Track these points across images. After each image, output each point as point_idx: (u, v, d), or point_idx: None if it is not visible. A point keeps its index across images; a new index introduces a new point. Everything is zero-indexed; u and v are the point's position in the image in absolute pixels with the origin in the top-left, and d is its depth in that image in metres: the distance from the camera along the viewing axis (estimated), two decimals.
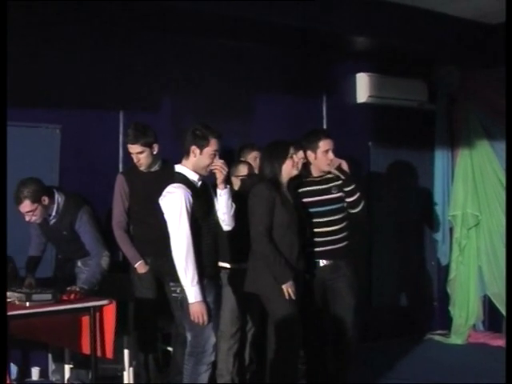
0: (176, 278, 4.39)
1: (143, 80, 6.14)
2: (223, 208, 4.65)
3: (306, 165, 5.32)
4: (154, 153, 5.33)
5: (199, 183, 4.51)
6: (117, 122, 6.03)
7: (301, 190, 5.29)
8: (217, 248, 4.63)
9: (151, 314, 5.42)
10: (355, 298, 5.32)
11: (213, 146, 4.47)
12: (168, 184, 4.46)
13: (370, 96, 7.28)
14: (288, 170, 5.03)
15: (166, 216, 4.39)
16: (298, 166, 5.10)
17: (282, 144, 5.09)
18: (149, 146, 5.28)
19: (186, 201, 4.34)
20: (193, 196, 4.38)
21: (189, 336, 4.49)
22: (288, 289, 4.84)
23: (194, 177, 4.49)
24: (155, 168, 5.40)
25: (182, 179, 4.45)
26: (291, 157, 5.02)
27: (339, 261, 5.28)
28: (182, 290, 4.37)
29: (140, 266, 5.37)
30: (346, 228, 5.36)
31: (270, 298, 4.93)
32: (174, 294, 4.52)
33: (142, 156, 5.30)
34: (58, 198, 5.19)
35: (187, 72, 6.39)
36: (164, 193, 4.43)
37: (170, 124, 6.16)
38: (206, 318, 4.35)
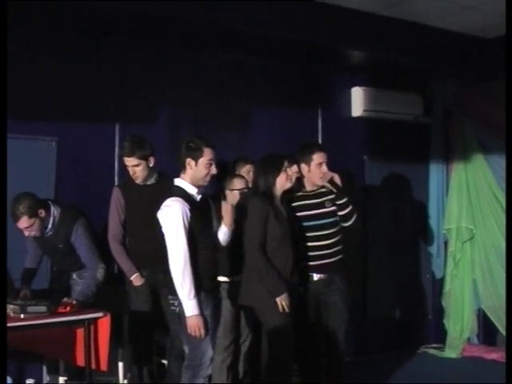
0: (174, 291, 4.40)
1: (140, 92, 6.16)
2: (222, 235, 4.73)
3: (300, 178, 5.35)
4: (151, 165, 5.32)
5: (198, 197, 4.53)
6: (113, 135, 6.05)
7: (294, 204, 5.31)
8: (216, 261, 4.65)
9: (146, 327, 5.41)
10: (348, 312, 5.33)
11: (207, 155, 4.49)
12: (165, 197, 4.46)
13: (365, 110, 7.30)
14: (282, 183, 5.05)
15: (164, 229, 4.40)
16: (292, 180, 5.12)
17: (277, 157, 5.12)
18: (145, 158, 5.27)
19: (184, 215, 4.35)
20: (191, 210, 4.39)
21: (186, 349, 4.50)
22: (282, 302, 4.87)
23: (192, 190, 4.50)
24: (151, 181, 5.40)
25: (180, 193, 4.46)
26: (285, 170, 5.05)
27: (333, 275, 5.29)
28: (179, 304, 4.39)
29: (136, 279, 5.37)
30: (340, 242, 5.38)
31: (264, 310, 4.95)
32: (171, 308, 4.52)
33: (138, 169, 5.30)
34: (54, 210, 5.20)
35: (184, 84, 6.41)
36: (162, 206, 4.44)
37: (167, 136, 6.18)
38: (202, 331, 4.37)
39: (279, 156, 5.12)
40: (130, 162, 5.29)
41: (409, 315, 7.76)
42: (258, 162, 5.26)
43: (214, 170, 4.53)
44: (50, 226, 5.19)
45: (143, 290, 5.37)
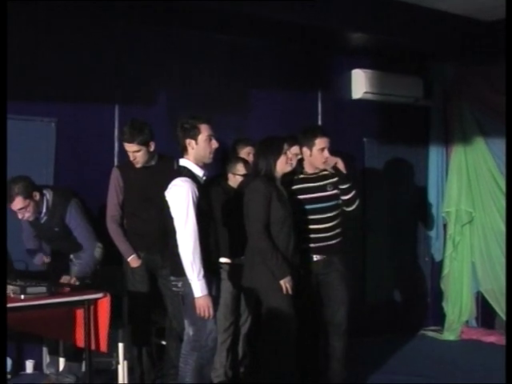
0: (177, 273, 4.42)
1: (139, 74, 6.15)
2: None
3: (301, 161, 5.37)
4: (151, 150, 5.32)
5: (203, 179, 4.55)
6: (112, 116, 6.04)
7: (295, 187, 5.34)
8: (219, 243, 4.70)
9: (145, 308, 5.44)
10: (347, 292, 5.37)
11: (205, 131, 4.49)
12: (170, 178, 4.47)
13: (365, 92, 7.28)
14: (282, 165, 5.05)
15: (173, 209, 4.40)
16: (292, 163, 5.14)
17: (276, 140, 5.12)
18: (145, 144, 5.26)
19: (193, 194, 4.35)
20: (199, 191, 4.40)
21: (190, 331, 4.49)
22: (286, 284, 4.90)
23: (198, 172, 4.51)
24: (151, 163, 5.40)
25: (188, 173, 4.47)
26: (285, 153, 5.06)
27: (332, 256, 5.34)
28: (184, 285, 4.39)
29: (133, 260, 5.38)
30: (340, 224, 5.43)
31: (268, 292, 4.97)
32: (174, 289, 4.55)
33: (138, 154, 5.28)
34: (47, 194, 5.22)
35: (183, 66, 6.41)
36: (170, 186, 4.43)
37: (166, 117, 6.15)
38: (211, 311, 4.38)
39: (279, 138, 5.13)
40: (131, 147, 5.28)
41: (408, 298, 7.78)
42: (258, 145, 5.27)
43: (215, 144, 4.53)
44: (44, 211, 5.21)
45: (140, 272, 5.38)
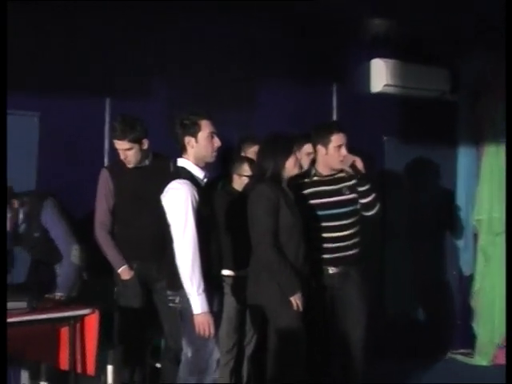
0: (175, 286, 4.41)
1: (134, 63, 6.15)
2: None
3: (313, 162, 5.35)
4: (144, 148, 5.33)
5: (204, 181, 4.55)
6: (102, 110, 6.04)
7: (308, 191, 5.36)
8: (221, 253, 4.70)
9: (138, 326, 5.43)
10: (366, 309, 5.37)
11: (206, 128, 4.51)
12: (167, 179, 4.48)
13: (386, 85, 7.30)
14: (290, 167, 5.05)
15: (170, 215, 4.40)
16: (303, 164, 5.14)
17: (284, 137, 5.12)
18: (138, 141, 5.28)
19: (193, 199, 4.35)
20: (199, 194, 4.40)
21: (189, 351, 4.47)
22: (297, 300, 4.88)
23: (199, 173, 4.52)
24: (145, 163, 5.41)
25: (187, 175, 4.47)
26: (294, 153, 5.05)
27: (349, 268, 5.36)
28: (182, 300, 4.38)
29: (124, 272, 5.38)
30: (358, 233, 5.44)
31: (276, 310, 4.95)
32: (171, 304, 4.53)
33: (129, 153, 5.30)
34: (24, 198, 5.21)
35: (183, 56, 6.43)
36: (166, 189, 4.44)
37: (163, 112, 6.15)
38: (212, 329, 4.36)
39: (286, 136, 5.15)
40: (121, 145, 5.29)
41: (433, 317, 7.77)
42: (262, 144, 5.27)
43: (217, 142, 4.54)
44: (21, 217, 5.21)
45: (133, 285, 5.38)
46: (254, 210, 4.98)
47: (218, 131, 4.57)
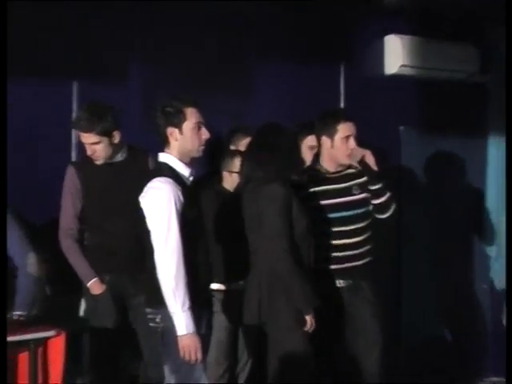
0: (155, 303, 4.42)
1: (106, 41, 6.15)
2: None
3: (318, 156, 5.38)
4: (116, 142, 5.34)
5: (190, 179, 4.57)
6: (69, 96, 6.02)
7: (311, 191, 5.41)
8: (210, 264, 4.72)
9: (111, 350, 5.44)
10: (381, 330, 5.37)
11: (192, 117, 4.53)
12: (139, 178, 4.54)
13: (402, 65, 7.29)
14: (295, 163, 5.10)
15: (149, 220, 4.42)
16: (304, 159, 5.17)
17: (279, 128, 5.18)
18: (107, 134, 5.28)
19: (177, 200, 4.38)
20: (184, 195, 4.42)
21: (172, 380, 4.46)
22: (312, 319, 4.92)
23: (184, 170, 4.54)
24: (118, 158, 5.44)
25: (169, 172, 4.49)
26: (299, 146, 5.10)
27: (360, 281, 5.44)
28: (164, 319, 4.38)
29: (94, 286, 5.37)
30: (370, 239, 5.47)
31: (284, 330, 4.96)
32: (151, 324, 4.52)
33: (98, 147, 5.30)
34: None
35: (164, 33, 6.43)
36: (146, 189, 4.46)
37: (141, 99, 6.17)
38: (199, 354, 4.37)
39: (279, 127, 5.21)
40: (88, 138, 5.30)
41: (459, 339, 7.75)
42: (253, 136, 5.32)
43: (205, 134, 4.57)
44: None
45: (105, 301, 5.38)
46: (265, 214, 5.00)
47: (207, 121, 4.58)
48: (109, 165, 5.39)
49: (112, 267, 5.39)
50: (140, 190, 4.48)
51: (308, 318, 4.92)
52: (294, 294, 4.92)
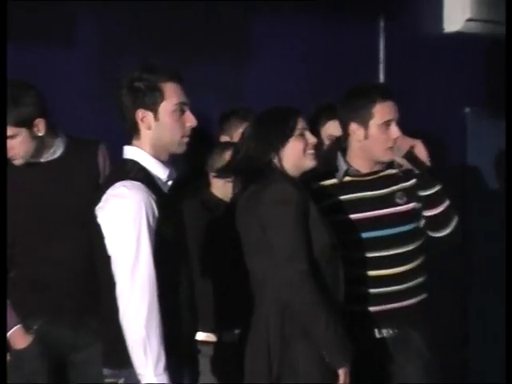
0: (116, 361, 4.38)
1: None
2: None
3: (344, 151, 5.35)
4: (40, 134, 5.30)
5: (168, 184, 4.55)
6: None
7: (336, 200, 5.42)
8: (195, 304, 4.66)
9: None
10: None
11: (172, 96, 4.47)
12: (90, 182, 4.50)
13: (468, 19, 7.34)
14: (294, 159, 5.07)
15: (110, 240, 4.35)
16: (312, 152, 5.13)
17: (284, 112, 5.16)
18: (27, 124, 5.27)
19: (149, 213, 4.33)
20: (159, 204, 4.38)
21: None
22: (347, 376, 4.87)
23: (159, 172, 4.50)
24: (51, 156, 5.42)
25: (140, 173, 4.44)
26: (301, 134, 5.07)
27: (409, 330, 5.41)
28: (131, 381, 4.32)
29: (16, 337, 5.35)
30: (423, 269, 5.48)
31: None
32: None
33: (14, 142, 5.29)
34: None
35: None
36: (105, 197, 4.38)
37: (94, 69, 6.20)
38: None
39: (290, 110, 5.18)
40: None
41: None
42: (252, 122, 5.31)
43: (191, 120, 4.51)
44: None
45: (31, 356, 5.37)
46: (271, 222, 4.93)
47: (191, 101, 4.54)
48: (34, 165, 5.38)
49: (47, 308, 5.35)
50: (93, 198, 4.43)
51: (342, 373, 4.86)
52: (320, 339, 4.86)
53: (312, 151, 5.05)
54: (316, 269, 4.89)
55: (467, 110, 7.55)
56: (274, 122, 5.09)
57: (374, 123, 5.29)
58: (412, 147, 5.33)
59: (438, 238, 5.42)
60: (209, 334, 5.42)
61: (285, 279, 4.84)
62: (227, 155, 5.61)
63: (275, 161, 5.04)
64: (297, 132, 5.03)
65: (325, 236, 4.93)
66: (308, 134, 5.06)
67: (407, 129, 5.37)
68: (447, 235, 5.40)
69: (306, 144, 5.03)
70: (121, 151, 4.52)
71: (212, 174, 5.70)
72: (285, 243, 4.86)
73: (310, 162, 5.06)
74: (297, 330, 4.89)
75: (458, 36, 7.40)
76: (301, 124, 5.06)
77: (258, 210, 4.95)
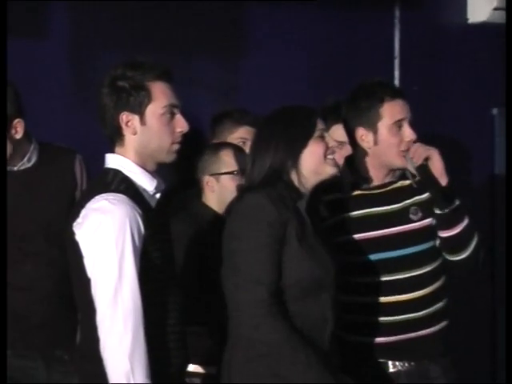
0: None
1: None
2: None
3: (352, 161, 5.34)
4: (17, 137, 5.36)
5: (156, 196, 4.59)
6: None
7: (343, 217, 5.39)
8: (185, 332, 4.69)
9: None
10: None
11: (161, 97, 4.52)
12: (66, 195, 4.53)
13: (495, 8, 7.41)
14: (314, 164, 5.02)
15: (89, 261, 4.38)
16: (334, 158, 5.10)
17: (302, 111, 5.11)
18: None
19: (134, 230, 4.37)
20: (145, 220, 4.41)
21: None
22: None
23: (145, 183, 4.54)
24: (26, 164, 5.50)
25: (123, 184, 4.48)
26: (321, 136, 5.01)
27: (428, 363, 5.39)
28: None
29: None
30: (444, 291, 5.46)
31: None
32: None
33: None
34: None
35: None
36: (84, 212, 4.42)
37: (72, 65, 6.24)
38: None
39: (307, 109, 5.12)
40: None
41: None
42: (262, 123, 5.25)
43: (182, 125, 4.55)
44: None
45: None
46: (236, 240, 4.85)
47: (183, 102, 4.58)
48: (13, 175, 5.43)
49: (14, 340, 5.35)
50: (71, 213, 4.50)
51: None
52: (289, 376, 4.72)
53: (333, 156, 4.93)
54: (288, 300, 4.81)
55: (495, 110, 7.54)
56: (291, 122, 4.96)
57: (383, 125, 5.27)
58: (427, 158, 5.22)
59: (455, 261, 5.37)
60: (200, 367, 5.44)
61: (246, 309, 4.74)
62: (224, 155, 5.68)
63: (290, 168, 4.90)
64: (317, 133, 4.91)
65: (307, 265, 4.81)
66: (328, 137, 4.96)
67: (423, 133, 5.32)
68: (465, 259, 5.34)
69: (327, 148, 4.91)
70: (101, 160, 4.56)
71: (204, 181, 5.74)
72: (245, 261, 4.75)
73: (330, 169, 4.95)
74: (265, 373, 4.76)
75: (483, 27, 7.43)
76: (320, 125, 4.95)
77: (229, 220, 4.92)
